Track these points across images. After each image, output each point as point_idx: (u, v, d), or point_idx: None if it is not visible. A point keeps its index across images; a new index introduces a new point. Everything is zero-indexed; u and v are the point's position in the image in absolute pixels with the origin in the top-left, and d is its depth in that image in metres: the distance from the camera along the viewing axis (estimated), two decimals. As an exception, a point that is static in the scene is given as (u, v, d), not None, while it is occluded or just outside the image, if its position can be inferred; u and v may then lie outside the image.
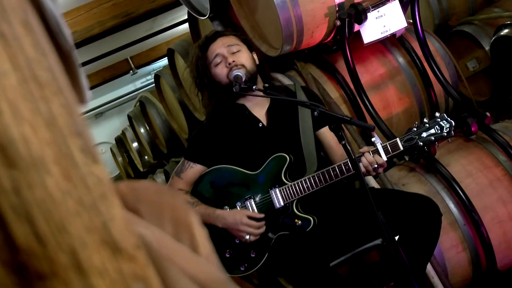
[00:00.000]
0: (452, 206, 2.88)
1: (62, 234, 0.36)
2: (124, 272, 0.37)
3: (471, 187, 2.91)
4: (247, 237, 2.40)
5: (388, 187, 2.90)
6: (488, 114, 2.93)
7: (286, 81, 3.21)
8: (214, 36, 2.55)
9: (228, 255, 2.49)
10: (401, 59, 3.34)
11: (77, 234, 0.36)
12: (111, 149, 9.89)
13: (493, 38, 4.01)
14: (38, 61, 0.37)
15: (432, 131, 2.34)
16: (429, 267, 2.70)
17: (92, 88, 8.18)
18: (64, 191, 0.36)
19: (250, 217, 2.41)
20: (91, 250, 0.36)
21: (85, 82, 0.47)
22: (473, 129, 2.93)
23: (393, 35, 3.03)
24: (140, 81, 9.83)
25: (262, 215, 2.44)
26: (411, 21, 3.16)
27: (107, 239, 0.36)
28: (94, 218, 0.37)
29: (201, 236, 0.48)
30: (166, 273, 0.42)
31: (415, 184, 2.97)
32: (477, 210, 2.82)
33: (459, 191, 2.82)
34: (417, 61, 3.24)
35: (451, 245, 2.87)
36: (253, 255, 2.45)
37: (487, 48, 4.21)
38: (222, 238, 2.50)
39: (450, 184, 2.84)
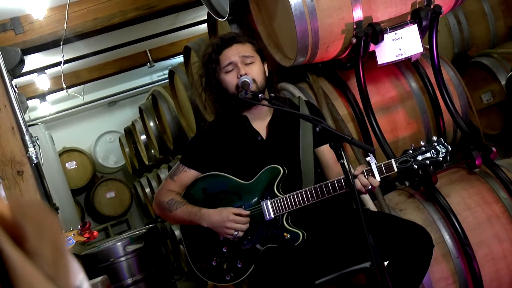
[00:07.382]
0: (447, 237, 2.86)
1: None
2: None
3: (469, 221, 2.88)
4: (235, 233, 2.38)
5: (385, 211, 2.87)
6: (494, 149, 2.90)
7: (296, 92, 3.20)
8: (231, 41, 2.50)
9: (214, 264, 2.47)
10: (414, 84, 3.32)
11: None
12: (119, 139, 9.91)
13: (510, 73, 3.99)
14: None
15: (428, 155, 2.31)
16: (416, 295, 2.68)
17: (108, 76, 8.22)
18: None
19: (235, 214, 2.40)
20: None
21: None
22: (477, 162, 2.90)
23: (408, 59, 3.01)
24: (157, 74, 9.85)
25: (248, 212, 2.42)
26: (428, 46, 3.13)
27: None
28: None
29: (73, 264, 0.48)
30: None
31: (413, 211, 2.94)
32: (471, 245, 2.79)
33: (456, 223, 2.79)
34: (430, 87, 3.21)
35: (441, 277, 2.84)
36: (240, 266, 2.43)
37: (503, 82, 4.18)
38: (209, 246, 2.49)
39: (448, 215, 2.82)
